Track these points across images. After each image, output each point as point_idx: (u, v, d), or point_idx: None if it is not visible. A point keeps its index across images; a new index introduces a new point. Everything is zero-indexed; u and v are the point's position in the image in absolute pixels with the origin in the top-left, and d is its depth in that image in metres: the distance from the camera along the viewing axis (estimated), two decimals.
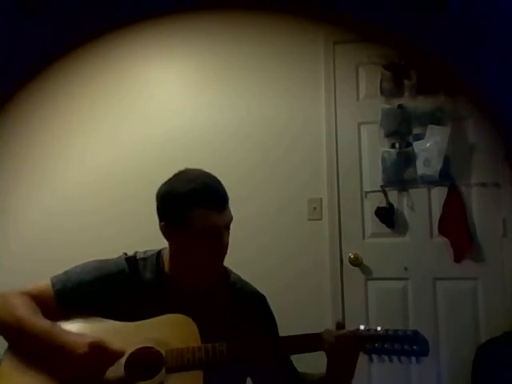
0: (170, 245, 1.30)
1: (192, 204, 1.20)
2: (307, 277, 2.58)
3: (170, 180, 1.28)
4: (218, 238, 1.23)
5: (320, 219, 2.63)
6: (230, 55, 2.83)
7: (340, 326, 1.20)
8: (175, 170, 1.27)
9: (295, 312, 2.42)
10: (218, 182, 1.26)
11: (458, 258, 2.49)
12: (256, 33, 2.82)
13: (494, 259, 2.48)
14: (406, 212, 2.59)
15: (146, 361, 1.15)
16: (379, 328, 1.14)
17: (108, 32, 2.87)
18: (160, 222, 1.27)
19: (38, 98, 2.94)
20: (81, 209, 2.79)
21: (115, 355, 1.13)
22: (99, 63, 2.92)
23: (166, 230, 1.26)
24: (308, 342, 1.18)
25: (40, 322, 1.16)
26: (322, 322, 2.50)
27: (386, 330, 1.13)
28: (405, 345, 1.11)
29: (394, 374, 2.32)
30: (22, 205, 2.85)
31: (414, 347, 1.10)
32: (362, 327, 1.16)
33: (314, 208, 2.64)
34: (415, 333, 1.13)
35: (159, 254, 1.34)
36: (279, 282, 2.49)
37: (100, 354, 1.11)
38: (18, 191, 2.87)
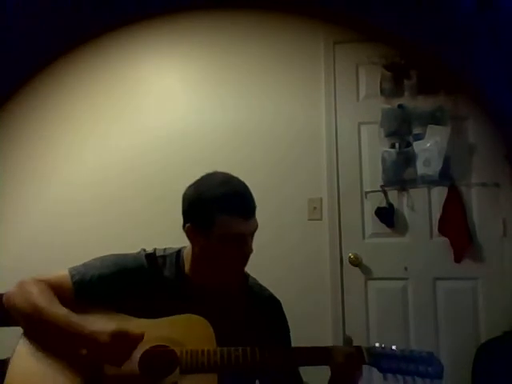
0: (192, 246, 1.29)
1: (222, 209, 1.19)
2: (307, 277, 2.58)
3: (198, 182, 1.26)
4: (243, 244, 1.23)
5: (320, 219, 2.63)
6: (230, 55, 2.83)
7: (348, 341, 1.21)
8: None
9: (295, 312, 2.41)
10: (247, 188, 1.25)
11: (457, 258, 2.49)
12: (256, 33, 2.82)
13: (494, 259, 2.49)
14: (406, 212, 2.59)
15: (160, 359, 1.16)
16: (394, 347, 1.15)
17: (108, 32, 2.87)
18: (185, 223, 1.25)
19: (38, 98, 2.94)
20: (81, 210, 2.79)
21: (136, 339, 1.13)
22: (99, 63, 2.92)
23: (191, 233, 1.25)
24: (317, 356, 1.19)
25: (57, 310, 1.16)
26: (322, 322, 2.52)
27: (402, 350, 1.14)
28: (420, 366, 1.12)
29: None
30: (22, 205, 2.85)
31: (429, 369, 1.11)
32: (377, 345, 1.17)
33: (314, 208, 2.64)
34: (430, 354, 1.14)
35: (179, 253, 1.33)
36: (279, 282, 2.48)
37: (122, 341, 1.11)
38: (18, 191, 2.87)
